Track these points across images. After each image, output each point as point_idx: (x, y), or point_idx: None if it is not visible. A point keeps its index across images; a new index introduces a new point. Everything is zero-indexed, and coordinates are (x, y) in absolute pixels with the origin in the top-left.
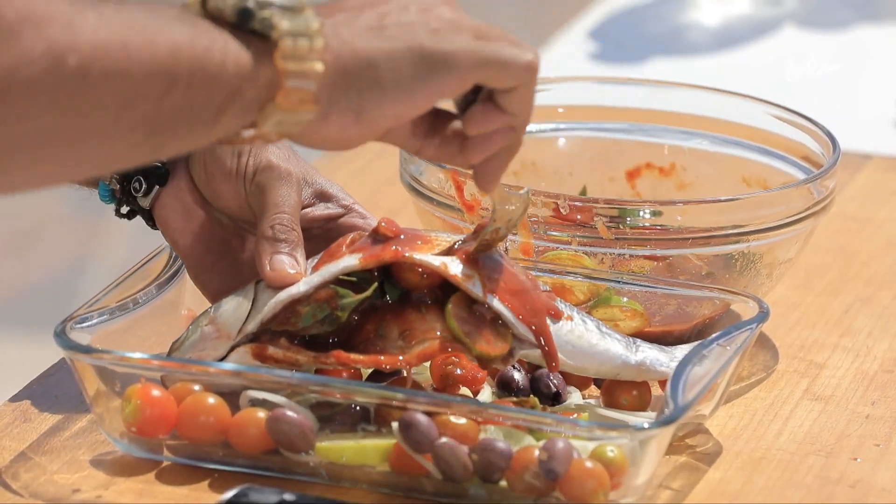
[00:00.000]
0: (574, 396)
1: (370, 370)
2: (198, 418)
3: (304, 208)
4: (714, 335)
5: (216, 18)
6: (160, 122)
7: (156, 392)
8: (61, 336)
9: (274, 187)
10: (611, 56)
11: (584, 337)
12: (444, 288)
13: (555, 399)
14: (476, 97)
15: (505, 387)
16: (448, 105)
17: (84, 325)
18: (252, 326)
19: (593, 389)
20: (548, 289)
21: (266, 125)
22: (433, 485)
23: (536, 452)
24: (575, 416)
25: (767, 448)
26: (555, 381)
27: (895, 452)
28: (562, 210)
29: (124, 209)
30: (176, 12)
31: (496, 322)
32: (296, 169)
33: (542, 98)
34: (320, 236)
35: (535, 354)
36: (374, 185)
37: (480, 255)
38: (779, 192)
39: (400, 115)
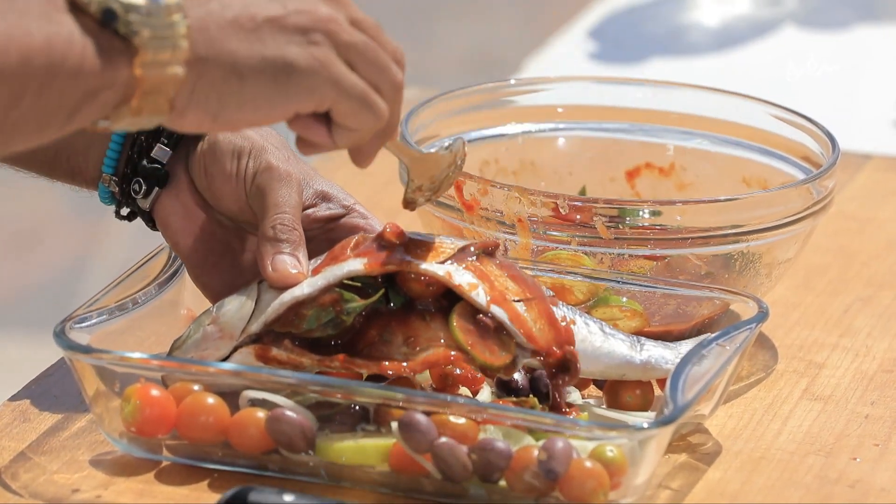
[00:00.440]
0: (573, 396)
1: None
2: (197, 418)
3: (305, 209)
4: (713, 335)
5: (81, 11)
6: (7, 127)
7: (155, 392)
8: (60, 336)
9: (274, 188)
10: (610, 56)
11: (587, 340)
12: (448, 296)
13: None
14: None
15: (504, 387)
16: None
17: (83, 324)
18: (255, 327)
19: (593, 389)
20: (551, 294)
21: (119, 124)
22: (433, 485)
23: (536, 452)
24: (574, 415)
25: (767, 448)
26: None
27: (894, 452)
28: (561, 210)
29: (124, 211)
30: (39, 4)
31: (500, 331)
32: (296, 170)
33: (541, 98)
34: (322, 237)
35: (538, 363)
36: (375, 186)
37: (408, 210)
38: (778, 192)
39: (256, 123)
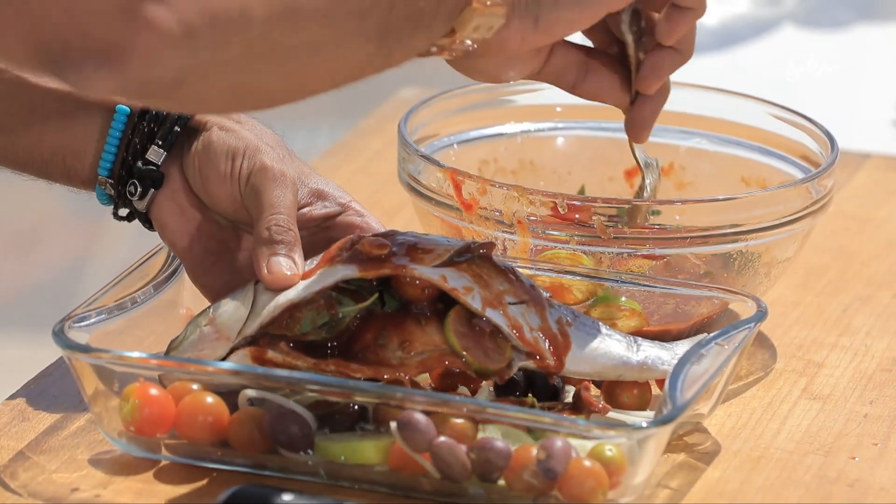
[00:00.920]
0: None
1: None
2: (196, 417)
3: (300, 208)
4: (712, 334)
5: None
6: (389, 29)
7: (154, 391)
8: (59, 335)
9: (269, 189)
10: None
11: (583, 341)
12: (444, 298)
13: (553, 398)
14: (638, 27)
15: (503, 386)
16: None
17: (82, 324)
18: (251, 329)
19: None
20: (548, 294)
21: (465, 29)
22: (432, 484)
23: (535, 451)
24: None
25: (766, 447)
26: (553, 381)
27: (893, 451)
28: (560, 209)
29: (123, 212)
30: None
31: (495, 335)
32: (290, 170)
33: (540, 97)
34: (318, 235)
35: (533, 365)
36: (374, 185)
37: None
38: (777, 192)
39: (573, 21)
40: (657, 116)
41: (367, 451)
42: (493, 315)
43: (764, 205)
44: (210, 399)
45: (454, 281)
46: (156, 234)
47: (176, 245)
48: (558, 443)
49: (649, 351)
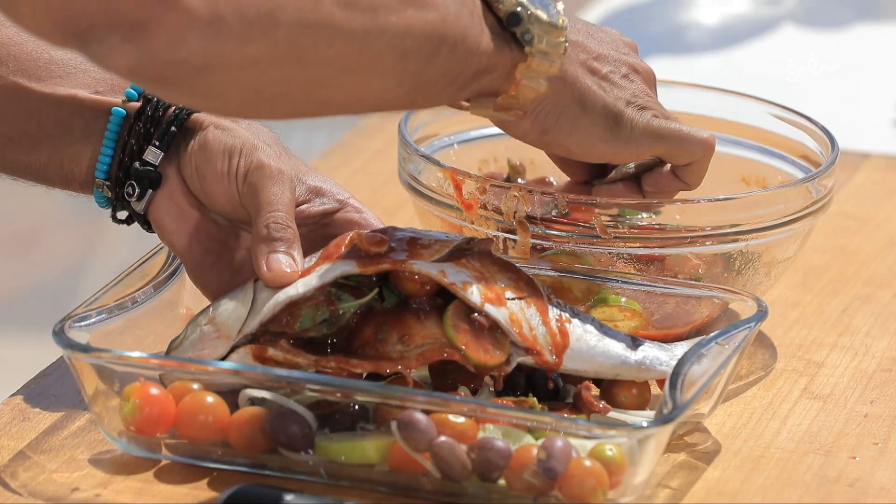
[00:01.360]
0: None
1: None
2: (196, 417)
3: (298, 205)
4: (713, 334)
5: (489, 6)
6: (425, 78)
7: (154, 391)
8: (60, 335)
9: (266, 187)
10: None
11: (582, 339)
12: (443, 293)
13: (553, 398)
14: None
15: (504, 385)
16: None
17: (82, 323)
18: (251, 327)
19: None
20: (548, 291)
21: (478, 111)
22: (432, 484)
23: (535, 451)
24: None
25: (766, 447)
26: (554, 380)
27: (894, 451)
28: (561, 209)
29: (121, 215)
30: None
31: (494, 330)
32: (287, 167)
33: None
34: (317, 232)
35: (531, 361)
36: (374, 185)
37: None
38: (777, 192)
39: (572, 154)
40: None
41: (367, 450)
42: (492, 310)
43: (764, 204)
44: (210, 398)
45: (453, 276)
46: (154, 235)
47: (175, 245)
48: (559, 442)
49: (648, 351)
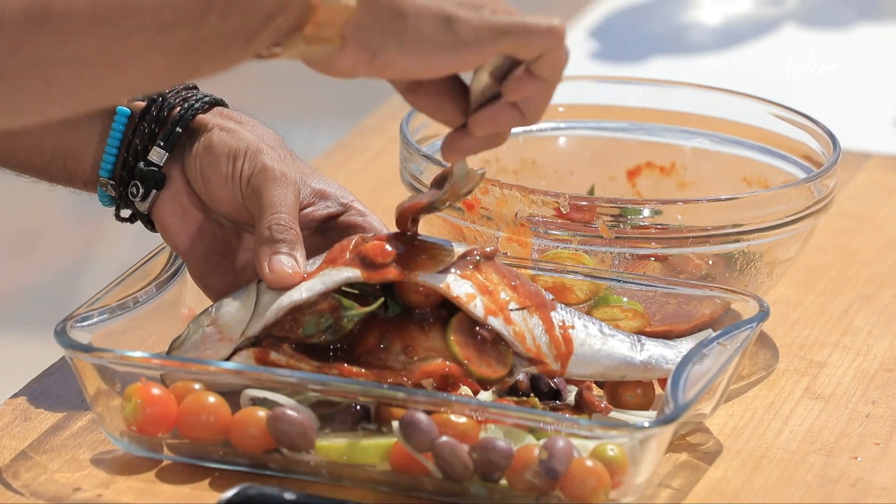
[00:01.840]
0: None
1: None
2: (198, 417)
3: (302, 209)
4: (715, 334)
5: None
6: (197, 44)
7: (156, 391)
8: (62, 335)
9: (269, 189)
10: (611, 55)
11: (586, 343)
12: (447, 304)
13: (555, 398)
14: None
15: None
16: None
17: (84, 323)
18: (254, 330)
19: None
20: (551, 297)
21: (290, 52)
22: (434, 484)
23: (537, 451)
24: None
25: (768, 447)
26: (555, 380)
27: (895, 451)
28: (562, 209)
29: (125, 213)
30: None
31: (497, 342)
32: (291, 170)
33: None
34: (321, 236)
35: (536, 370)
36: (374, 185)
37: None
38: (779, 192)
39: (411, 70)
40: (477, 153)
41: (368, 450)
42: (496, 323)
43: (766, 204)
44: (212, 399)
45: (457, 288)
46: (157, 234)
47: (178, 246)
48: (560, 442)
49: (653, 350)
